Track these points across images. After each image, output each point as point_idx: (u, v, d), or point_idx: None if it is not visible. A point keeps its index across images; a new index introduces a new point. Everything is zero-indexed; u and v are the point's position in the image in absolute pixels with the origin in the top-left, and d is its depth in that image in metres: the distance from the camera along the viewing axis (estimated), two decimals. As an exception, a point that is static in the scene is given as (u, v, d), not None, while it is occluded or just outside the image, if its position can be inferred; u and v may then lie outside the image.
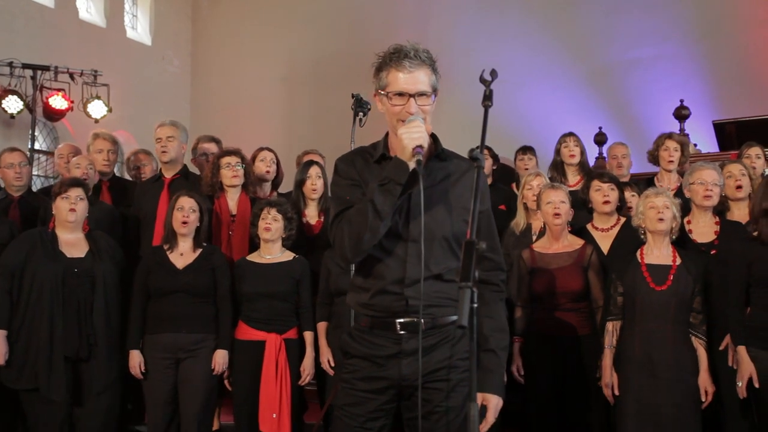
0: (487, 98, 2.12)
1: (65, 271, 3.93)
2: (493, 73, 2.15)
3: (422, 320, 2.21)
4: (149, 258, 4.12)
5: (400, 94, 2.23)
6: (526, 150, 5.66)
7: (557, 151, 5.04)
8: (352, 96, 4.06)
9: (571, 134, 5.07)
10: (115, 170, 5.25)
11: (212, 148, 5.08)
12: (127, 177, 5.38)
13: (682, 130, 6.75)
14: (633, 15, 7.98)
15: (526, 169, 5.42)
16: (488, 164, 5.44)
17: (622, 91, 7.84)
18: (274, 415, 3.91)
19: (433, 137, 2.30)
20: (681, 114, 6.97)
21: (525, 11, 8.52)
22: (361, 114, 4.01)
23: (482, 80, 2.15)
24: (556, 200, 3.82)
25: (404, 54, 2.24)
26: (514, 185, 5.55)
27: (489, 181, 5.44)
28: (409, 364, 2.26)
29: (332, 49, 9.25)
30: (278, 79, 9.57)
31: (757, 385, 3.35)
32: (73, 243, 4.04)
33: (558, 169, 5.02)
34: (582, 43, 8.18)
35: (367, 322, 2.32)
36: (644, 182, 4.78)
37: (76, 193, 4.01)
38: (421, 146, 2.13)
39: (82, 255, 4.02)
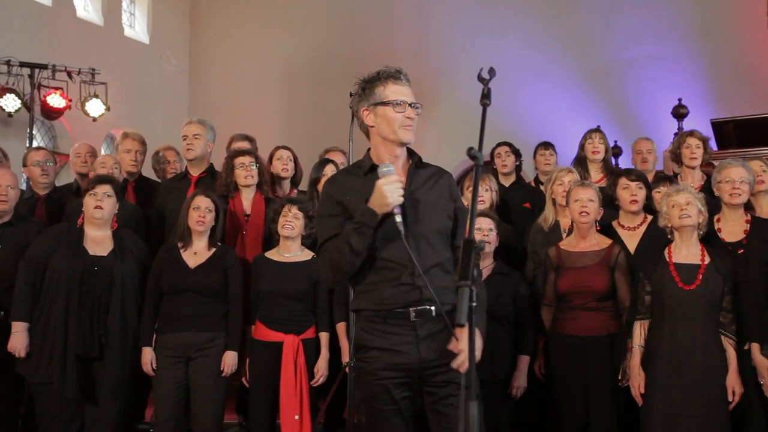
0: (485, 97, 2.18)
1: (84, 268, 3.91)
2: (491, 72, 2.20)
3: (433, 308, 2.49)
4: (163, 256, 4.09)
5: (401, 103, 2.54)
6: (548, 146, 5.57)
7: (581, 147, 5.00)
8: (351, 95, 4.05)
9: (596, 130, 5.01)
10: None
11: (245, 146, 5.03)
12: (152, 174, 5.36)
13: (680, 128, 6.77)
14: (632, 14, 8.00)
15: (547, 164, 5.35)
16: (511, 161, 5.40)
17: (621, 90, 7.86)
18: (297, 417, 3.89)
19: (410, 151, 2.63)
20: (679, 113, 6.98)
21: (524, 10, 8.54)
22: (359, 112, 4.01)
23: (480, 78, 2.20)
24: (584, 198, 3.75)
25: (396, 71, 2.60)
26: (532, 181, 5.53)
27: (513, 178, 5.39)
28: (427, 347, 2.49)
29: (331, 48, 9.25)
30: (277, 78, 9.57)
31: (766, 387, 3.34)
32: (98, 240, 4.02)
33: (582, 164, 4.96)
34: (581, 41, 8.20)
35: (381, 315, 2.51)
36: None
37: (103, 189, 4.00)
38: (401, 204, 2.43)
39: (105, 253, 4.00)
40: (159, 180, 5.32)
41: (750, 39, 7.73)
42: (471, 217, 2.01)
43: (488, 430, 3.55)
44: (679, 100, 7.04)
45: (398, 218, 2.41)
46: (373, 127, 2.60)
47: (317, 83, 9.11)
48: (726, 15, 7.80)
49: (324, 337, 4.09)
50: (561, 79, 8.26)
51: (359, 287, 2.57)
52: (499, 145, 5.51)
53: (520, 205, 5.04)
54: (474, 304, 1.84)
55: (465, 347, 2.25)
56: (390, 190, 2.40)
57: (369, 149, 2.65)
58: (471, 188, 4.27)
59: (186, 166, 4.80)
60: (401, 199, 2.41)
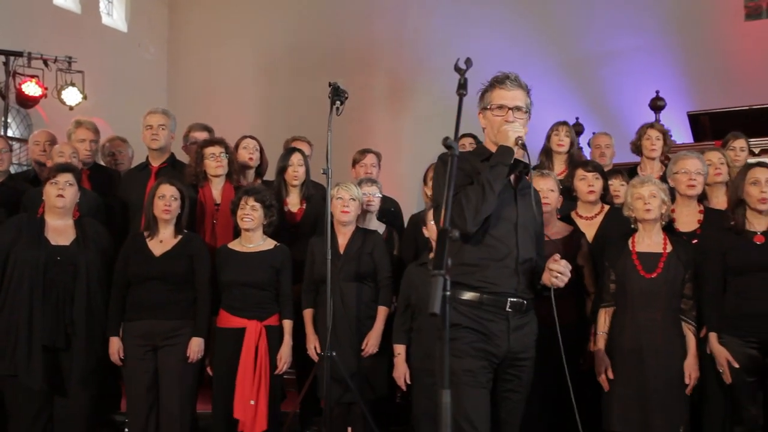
0: (462, 87, 2.26)
1: (47, 258, 3.89)
2: (468, 62, 2.28)
3: (525, 301, 2.70)
4: (128, 245, 4.10)
5: (501, 107, 2.71)
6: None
7: (548, 138, 5.06)
8: (330, 84, 4.06)
9: (563, 123, 5.04)
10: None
11: (203, 136, 5.02)
12: (102, 163, 5.32)
13: (657, 120, 6.83)
14: (610, 6, 8.05)
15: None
16: None
17: (600, 82, 7.91)
18: (252, 402, 3.90)
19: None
20: (656, 105, 7.05)
21: (503, 2, 8.56)
22: (338, 102, 4.02)
23: (457, 69, 2.25)
24: (545, 188, 3.79)
25: (506, 77, 2.75)
26: None
27: None
28: (516, 339, 2.67)
29: (310, 39, 9.22)
30: (255, 68, 9.52)
31: (736, 365, 3.42)
32: (60, 230, 4.00)
33: (548, 155, 5.02)
34: (559, 33, 8.24)
35: (478, 299, 2.63)
36: (627, 171, 4.82)
37: (65, 178, 3.98)
38: (521, 137, 2.62)
39: (67, 243, 3.98)
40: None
41: (727, 32, 7.82)
42: (446, 206, 2.03)
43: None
44: (657, 92, 7.10)
45: (520, 142, 2.61)
46: (485, 128, 2.81)
47: (296, 73, 9.07)
48: (703, 8, 7.87)
49: (287, 324, 4.11)
50: (539, 71, 8.26)
51: (464, 262, 2.62)
52: (463, 136, 5.54)
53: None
54: (448, 293, 1.84)
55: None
56: (512, 127, 2.63)
57: (480, 143, 2.87)
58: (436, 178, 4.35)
59: (147, 156, 4.78)
60: (521, 132, 2.63)
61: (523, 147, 2.63)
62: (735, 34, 7.77)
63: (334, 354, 3.83)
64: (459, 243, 2.58)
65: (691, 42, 7.66)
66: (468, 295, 2.63)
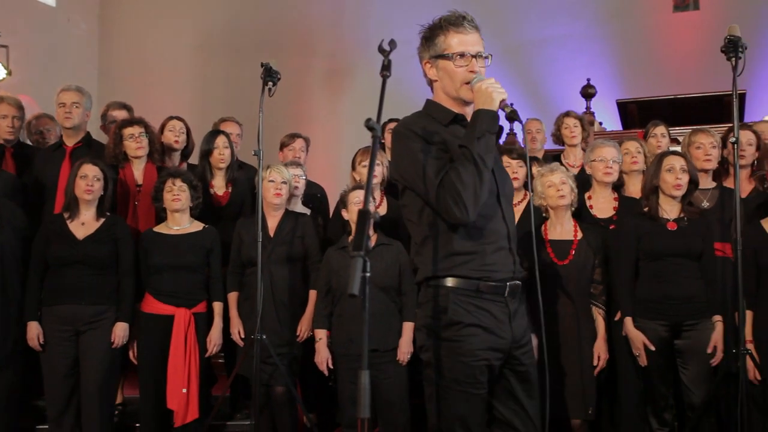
0: (386, 68, 2.15)
1: None
2: (392, 43, 2.17)
3: (520, 283, 2.39)
4: (48, 227, 4.01)
5: (462, 55, 2.31)
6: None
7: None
8: (262, 65, 4.02)
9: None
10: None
11: (122, 115, 4.91)
12: (28, 142, 5.16)
13: (588, 108, 7.00)
14: (546, -6, 8.16)
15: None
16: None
17: (534, 68, 8.04)
18: (184, 390, 3.89)
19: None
20: (587, 92, 7.21)
21: (441, -14, 8.59)
22: (270, 83, 3.99)
23: (381, 50, 2.16)
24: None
25: (462, 17, 2.34)
26: None
27: None
28: (517, 326, 2.37)
29: (248, 17, 9.08)
30: (191, 46, 9.32)
31: (652, 348, 3.54)
32: None
33: None
34: (496, 20, 8.29)
35: (478, 287, 2.28)
36: (552, 158, 4.96)
37: None
38: (505, 99, 2.25)
39: None
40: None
41: (656, 23, 8.04)
42: (367, 188, 2.00)
43: (384, 398, 3.70)
44: (588, 80, 7.27)
45: (508, 108, 2.24)
46: (436, 81, 2.39)
47: (232, 53, 8.92)
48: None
49: (218, 307, 4.10)
50: (477, 57, 8.38)
51: (455, 251, 2.28)
52: (390, 120, 5.58)
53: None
54: (368, 274, 1.83)
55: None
56: (493, 87, 2.24)
57: (429, 100, 2.44)
58: (362, 162, 4.37)
59: (61, 135, 4.66)
60: (506, 93, 2.25)
61: (514, 114, 2.24)
62: (664, 25, 8.00)
63: (264, 337, 3.82)
64: (444, 230, 2.27)
65: (621, 31, 7.86)
66: (463, 284, 2.27)
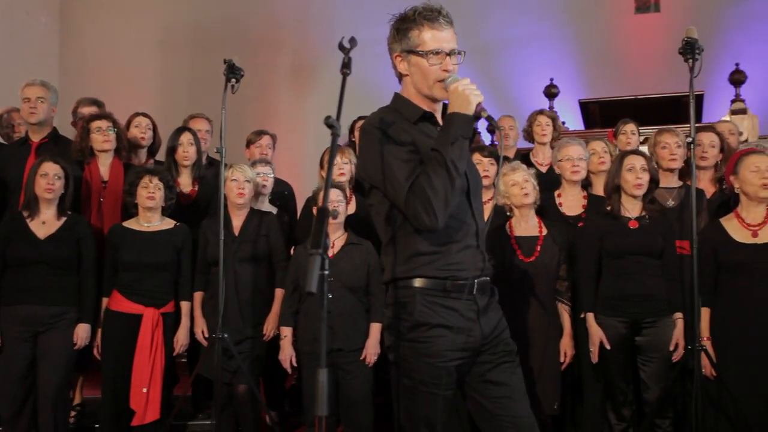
0: (346, 66, 2.12)
1: None
2: (353, 41, 2.13)
3: (488, 279, 2.33)
4: (8, 226, 3.95)
5: (436, 53, 2.23)
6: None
7: None
8: (225, 62, 3.99)
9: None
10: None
11: (93, 111, 4.85)
12: None
13: (551, 107, 7.07)
14: (511, -5, 8.23)
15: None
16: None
17: (498, 68, 8.09)
18: (144, 390, 3.86)
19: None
20: (550, 92, 7.30)
21: (407, -15, 8.60)
22: (233, 80, 3.97)
23: (341, 47, 2.13)
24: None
25: (438, 11, 2.26)
26: None
27: None
28: (487, 320, 2.30)
29: (212, 13, 9.00)
30: (155, 42, 9.21)
31: (608, 346, 3.61)
32: None
33: None
34: (462, 19, 8.29)
35: (445, 287, 2.23)
36: (520, 157, 5.00)
37: None
38: (481, 103, 2.17)
39: None
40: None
41: (618, 25, 8.16)
42: (326, 185, 1.99)
43: (348, 398, 3.71)
44: (551, 80, 7.36)
45: (486, 115, 2.18)
46: (407, 75, 2.31)
47: (197, 49, 8.84)
48: (597, 1, 8.21)
49: (185, 306, 4.07)
50: (442, 56, 8.42)
51: (420, 251, 2.23)
52: (359, 119, 5.59)
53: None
54: (326, 272, 1.82)
55: None
56: (470, 89, 2.17)
57: (397, 94, 2.37)
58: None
59: (26, 131, 4.58)
60: (482, 96, 2.17)
61: (490, 119, 2.19)
62: (625, 27, 8.11)
63: (225, 336, 3.80)
64: (410, 230, 2.22)
65: (584, 32, 7.96)
66: (429, 284, 2.22)
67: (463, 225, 2.27)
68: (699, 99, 5.83)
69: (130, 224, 4.07)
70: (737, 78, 6.61)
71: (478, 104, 2.17)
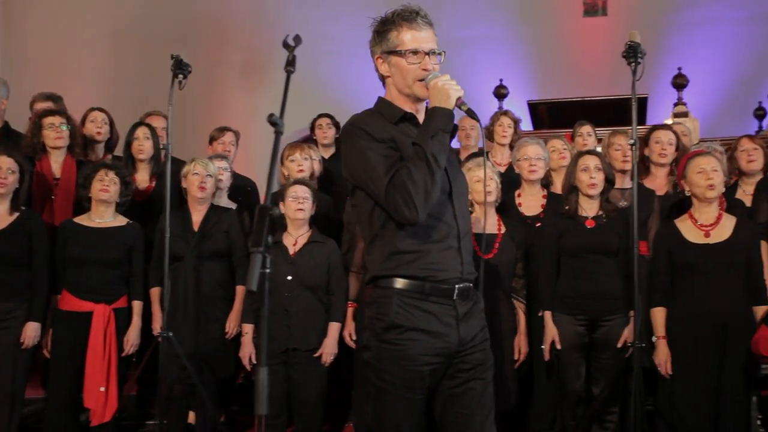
0: (290, 64, 2.12)
1: None
2: (297, 39, 2.14)
3: (471, 284, 2.31)
4: None
5: (415, 52, 2.26)
6: None
7: None
8: (172, 57, 3.95)
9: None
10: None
11: (50, 106, 4.72)
12: None
13: (500, 108, 7.18)
14: (463, -5, 8.32)
15: None
16: (332, 133, 5.51)
17: (448, 69, 8.10)
18: (102, 389, 3.79)
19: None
20: (500, 93, 7.42)
21: (359, -17, 8.62)
22: (180, 76, 3.93)
23: (285, 45, 2.13)
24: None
25: (415, 13, 2.28)
26: None
27: (332, 150, 5.53)
28: (466, 326, 2.28)
29: (163, 8, 8.88)
30: (103, 35, 9.02)
31: (558, 347, 3.68)
32: None
33: None
34: (413, 18, 8.41)
35: (424, 289, 2.22)
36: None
37: None
38: (461, 97, 2.20)
39: None
40: None
41: (566, 27, 8.32)
42: (269, 183, 1.98)
43: (301, 397, 3.72)
44: (501, 80, 7.46)
45: (465, 107, 2.21)
46: (388, 77, 2.33)
47: (148, 43, 8.68)
48: (546, 3, 8.34)
49: (137, 306, 4.00)
50: (394, 54, 8.46)
51: (399, 250, 2.22)
52: (320, 116, 5.61)
53: (340, 176, 5.17)
54: (268, 270, 1.82)
55: None
56: (449, 84, 2.20)
57: (380, 98, 2.38)
58: (289, 156, 4.38)
59: None
60: (462, 90, 2.20)
61: (470, 112, 2.23)
62: (574, 29, 8.28)
63: (170, 334, 3.77)
64: (392, 229, 2.22)
65: (533, 34, 8.08)
66: (408, 285, 2.22)
67: (445, 226, 2.27)
68: (643, 102, 6.00)
69: (80, 220, 4.00)
70: (679, 82, 6.81)
71: (459, 98, 2.20)
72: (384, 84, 2.38)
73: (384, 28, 2.31)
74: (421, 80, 2.27)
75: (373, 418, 2.30)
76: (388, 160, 2.20)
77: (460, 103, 2.21)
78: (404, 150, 2.22)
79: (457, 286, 2.26)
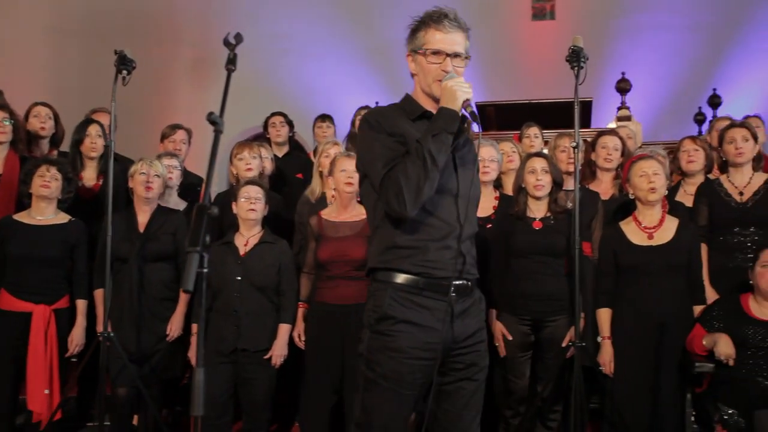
0: (231, 62, 2.12)
1: None
2: (238, 37, 2.14)
3: (469, 283, 2.34)
4: None
5: (437, 53, 2.29)
6: (325, 118, 5.74)
7: (353, 123, 5.20)
8: (115, 52, 3.88)
9: (366, 108, 5.20)
10: None
11: None
12: None
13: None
14: (415, -4, 8.36)
15: (324, 136, 5.50)
16: (285, 131, 5.48)
17: (400, 68, 8.19)
18: (47, 391, 3.71)
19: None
20: (449, 94, 7.45)
21: (312, -18, 8.60)
22: (124, 72, 3.86)
23: (226, 43, 2.13)
24: (350, 169, 3.71)
25: (444, 15, 2.31)
26: (311, 153, 5.62)
27: (286, 149, 5.49)
28: (461, 324, 2.30)
29: (107, 2, 8.71)
30: (45, 27, 8.80)
31: (510, 338, 3.73)
32: None
33: (353, 140, 5.13)
34: (367, 18, 8.44)
35: (419, 284, 2.24)
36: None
37: None
38: (469, 100, 2.22)
39: None
40: None
41: (515, 30, 8.45)
42: (207, 182, 1.97)
43: (249, 397, 3.70)
44: (450, 82, 7.52)
45: (470, 111, 2.22)
46: (415, 75, 2.38)
47: (91, 37, 8.51)
48: (495, 6, 8.45)
49: (81, 305, 3.93)
50: (346, 54, 8.47)
51: (396, 245, 2.26)
52: (273, 114, 5.59)
53: (293, 175, 5.17)
54: (205, 270, 1.80)
55: None
56: (459, 86, 2.22)
57: (407, 94, 2.42)
58: (238, 155, 4.35)
59: None
60: (471, 93, 2.22)
61: (473, 116, 2.24)
62: (522, 32, 8.41)
63: (111, 334, 3.71)
64: (392, 222, 2.25)
65: (482, 36, 8.08)
66: (403, 279, 2.25)
67: (445, 225, 2.28)
68: (588, 105, 6.11)
69: (20, 217, 3.90)
70: (623, 86, 6.96)
71: (466, 100, 2.23)
72: (414, 82, 2.42)
73: (415, 27, 2.36)
74: (440, 80, 2.30)
75: (360, 410, 2.31)
76: (391, 153, 2.24)
77: (466, 104, 2.23)
78: (411, 147, 2.25)
79: (454, 282, 2.27)
